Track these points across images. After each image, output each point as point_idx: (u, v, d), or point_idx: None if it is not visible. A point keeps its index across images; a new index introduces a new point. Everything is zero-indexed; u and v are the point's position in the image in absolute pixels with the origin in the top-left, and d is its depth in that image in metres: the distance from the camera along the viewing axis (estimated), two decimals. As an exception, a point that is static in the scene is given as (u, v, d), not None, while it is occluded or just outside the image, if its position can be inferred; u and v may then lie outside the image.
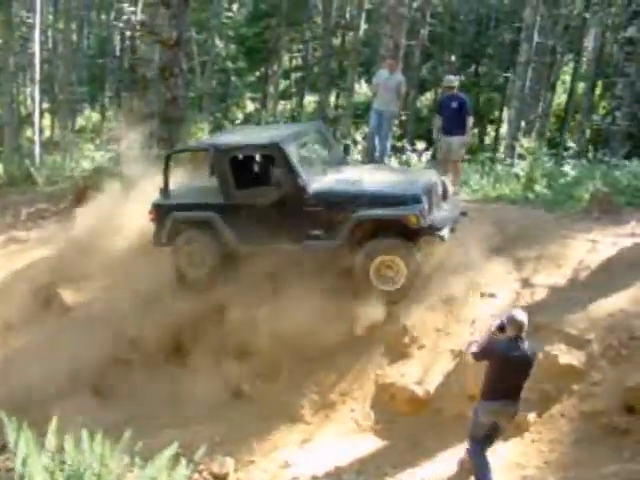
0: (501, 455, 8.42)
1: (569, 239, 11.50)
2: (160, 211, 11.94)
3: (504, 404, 7.70)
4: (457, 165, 14.22)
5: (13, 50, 29.70)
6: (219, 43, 33.37)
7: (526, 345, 7.60)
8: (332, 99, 36.61)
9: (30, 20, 26.63)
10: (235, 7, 36.62)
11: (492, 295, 10.59)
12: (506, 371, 7.57)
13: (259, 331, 10.44)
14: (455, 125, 13.74)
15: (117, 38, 35.65)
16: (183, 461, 6.79)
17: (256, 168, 12.69)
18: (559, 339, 9.27)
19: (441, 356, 10.05)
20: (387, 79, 14.98)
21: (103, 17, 40.62)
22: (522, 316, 7.68)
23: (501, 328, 7.70)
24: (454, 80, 14.31)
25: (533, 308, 9.97)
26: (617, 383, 8.68)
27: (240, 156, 12.27)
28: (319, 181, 11.21)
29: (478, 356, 7.89)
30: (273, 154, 11.38)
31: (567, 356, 9.08)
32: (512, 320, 7.63)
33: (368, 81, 33.69)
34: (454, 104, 13.73)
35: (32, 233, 15.81)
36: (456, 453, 8.65)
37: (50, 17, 38.24)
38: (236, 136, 13.04)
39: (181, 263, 11.75)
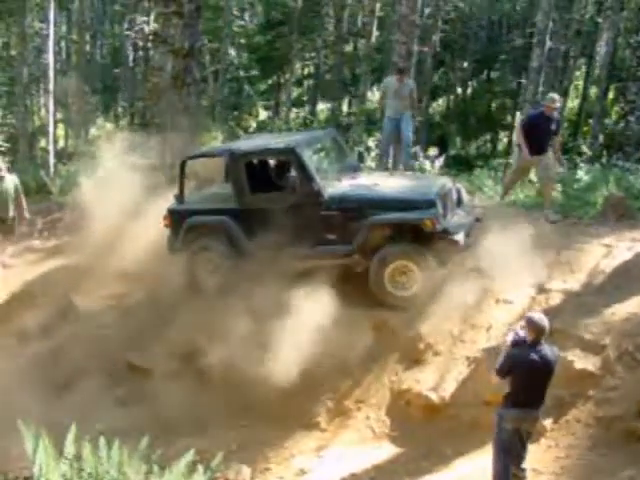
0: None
1: (584, 244, 11.47)
2: (175, 217, 11.99)
3: (529, 411, 7.62)
4: (551, 185, 13.28)
5: (27, 61, 29.91)
6: (232, 52, 33.43)
7: (547, 349, 7.54)
8: (345, 106, 36.64)
9: (44, 31, 26.74)
10: (247, 16, 36.75)
11: (507, 301, 10.57)
12: (530, 379, 7.49)
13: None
14: (547, 144, 12.79)
15: (130, 48, 35.75)
16: (200, 469, 6.81)
17: (271, 174, 12.71)
18: (574, 344, 9.26)
19: (456, 362, 10.04)
20: (398, 87, 15.13)
21: (116, 27, 40.80)
22: (541, 319, 7.61)
23: (516, 344, 7.61)
24: (558, 100, 13.12)
25: (548, 313, 9.93)
26: (633, 388, 8.66)
27: (255, 161, 12.34)
28: (334, 186, 11.24)
29: (502, 374, 7.74)
30: (288, 159, 11.46)
31: (583, 361, 9.07)
32: (531, 324, 7.55)
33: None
34: (553, 125, 12.73)
35: (47, 242, 15.89)
36: (471, 459, 8.67)
37: (64, 28, 38.46)
38: (251, 142, 13.10)
39: (196, 269, 11.78)
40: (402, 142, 15.45)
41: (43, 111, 29.70)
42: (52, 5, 24.84)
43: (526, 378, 7.48)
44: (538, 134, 12.59)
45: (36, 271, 14.31)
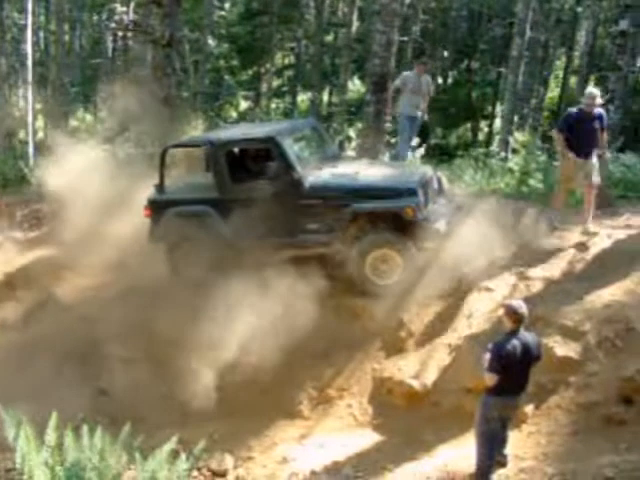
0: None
1: (564, 232, 11.53)
2: (156, 207, 11.95)
3: (511, 398, 7.70)
4: (594, 190, 11.61)
5: (5, 52, 29.70)
6: (212, 42, 33.31)
7: (527, 335, 7.59)
8: (325, 96, 36.59)
9: (22, 22, 26.57)
10: (227, 6, 36.60)
11: (488, 289, 10.59)
12: (512, 366, 7.47)
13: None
14: (593, 144, 11.44)
15: (109, 39, 35.57)
16: (183, 456, 6.81)
17: (251, 163, 12.68)
18: (555, 331, 9.29)
19: (438, 350, 10.06)
20: (416, 81, 14.95)
21: (95, 18, 40.53)
22: (520, 306, 7.62)
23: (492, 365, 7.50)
24: (597, 95, 11.45)
25: (529, 301, 9.96)
26: (613, 374, 8.71)
27: (236, 150, 12.32)
28: (315, 175, 11.24)
29: (494, 370, 7.51)
30: (269, 148, 11.43)
31: (563, 348, 9.10)
32: (510, 311, 7.57)
33: (361, 78, 33.74)
34: (596, 123, 11.34)
35: (27, 234, 15.82)
36: (453, 446, 8.70)
37: (42, 18, 38.18)
38: (231, 131, 13.08)
39: (176, 259, 11.75)
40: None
41: (22, 102, 29.50)
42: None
43: (509, 368, 7.46)
44: (580, 135, 11.29)
45: (16, 263, 14.24)
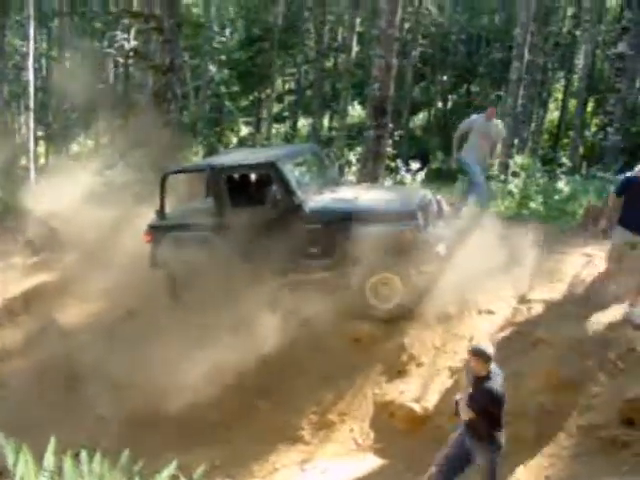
0: (501, 471, 8.40)
1: (564, 254, 11.54)
2: (156, 232, 11.97)
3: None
4: None
5: (7, 78, 29.83)
6: (212, 68, 33.50)
7: (495, 380, 7.22)
8: (325, 121, 36.72)
9: (24, 49, 26.70)
10: (227, 32, 36.82)
11: (489, 311, 10.60)
12: (502, 408, 7.21)
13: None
14: None
15: (110, 65, 35.70)
16: (183, 481, 6.78)
17: (252, 188, 12.71)
18: (556, 353, 9.27)
19: (439, 373, 10.04)
20: (486, 126, 13.75)
21: (97, 45, 40.79)
22: (487, 347, 7.35)
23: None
24: None
25: (530, 323, 10.04)
26: (615, 396, 8.66)
27: (236, 176, 12.35)
28: (315, 200, 11.26)
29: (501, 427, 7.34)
30: (269, 173, 11.45)
31: (565, 370, 9.07)
32: (480, 354, 7.23)
33: (361, 103, 33.84)
34: None
35: (29, 260, 15.83)
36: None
37: (44, 45, 38.41)
38: (231, 157, 13.11)
39: (176, 285, 11.76)
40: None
41: (23, 128, 29.63)
42: (32, 22, 24.77)
43: (501, 409, 7.21)
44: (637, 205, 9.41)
45: (17, 288, 14.25)
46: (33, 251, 16.06)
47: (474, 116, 14.24)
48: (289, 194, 11.10)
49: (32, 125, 24.97)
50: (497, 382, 7.19)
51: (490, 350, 7.27)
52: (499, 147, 14.30)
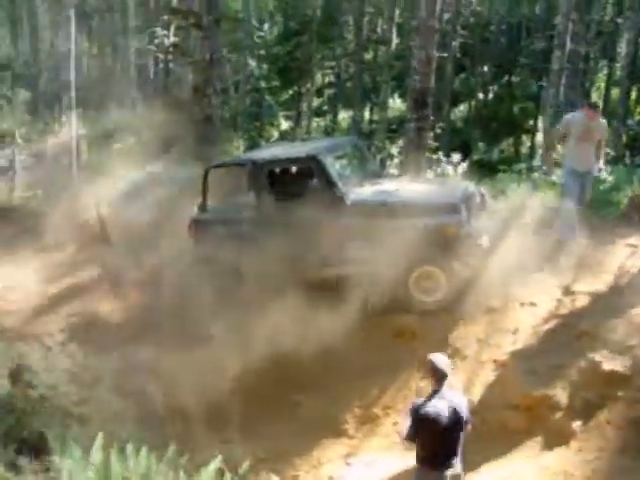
0: (547, 464, 8.34)
1: (609, 245, 11.42)
2: (199, 226, 12.03)
3: (438, 471, 6.81)
4: None
5: (50, 78, 30.14)
6: (251, 62, 33.60)
7: (453, 395, 6.89)
8: (366, 114, 36.62)
9: (65, 47, 26.92)
10: (266, 26, 36.88)
11: (533, 304, 10.52)
12: (437, 434, 6.71)
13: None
14: None
15: (151, 62, 35.89)
16: (228, 475, 6.80)
17: (293, 182, 12.72)
18: (602, 346, 9.16)
19: (484, 366, 9.98)
20: (584, 126, 11.71)
21: (136, 42, 41.05)
22: (441, 360, 6.94)
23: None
24: None
25: (575, 315, 9.94)
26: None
27: (277, 170, 12.36)
28: (356, 192, 11.24)
29: (410, 438, 6.88)
30: (311, 166, 11.45)
31: (610, 362, 8.95)
32: (432, 368, 6.83)
33: (402, 96, 33.72)
34: None
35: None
36: (499, 465, 8.60)
37: (85, 44, 38.75)
38: (272, 151, 13.13)
39: (221, 278, 11.79)
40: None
41: (66, 127, 29.90)
42: (72, 21, 25.01)
43: (429, 432, 6.72)
44: None
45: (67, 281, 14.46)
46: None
47: (570, 115, 12.37)
48: (331, 187, 11.10)
49: (74, 123, 25.23)
50: (431, 403, 6.70)
51: (439, 363, 6.83)
52: (604, 147, 12.27)
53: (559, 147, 12.22)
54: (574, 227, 11.54)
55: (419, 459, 6.90)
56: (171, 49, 21.96)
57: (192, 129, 17.19)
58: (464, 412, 6.82)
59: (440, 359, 6.93)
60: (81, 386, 10.80)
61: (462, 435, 6.84)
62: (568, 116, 12.36)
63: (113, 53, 37.81)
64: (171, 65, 30.73)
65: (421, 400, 6.79)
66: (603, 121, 12.10)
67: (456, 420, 6.71)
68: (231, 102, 31.71)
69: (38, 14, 31.65)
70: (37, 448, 7.40)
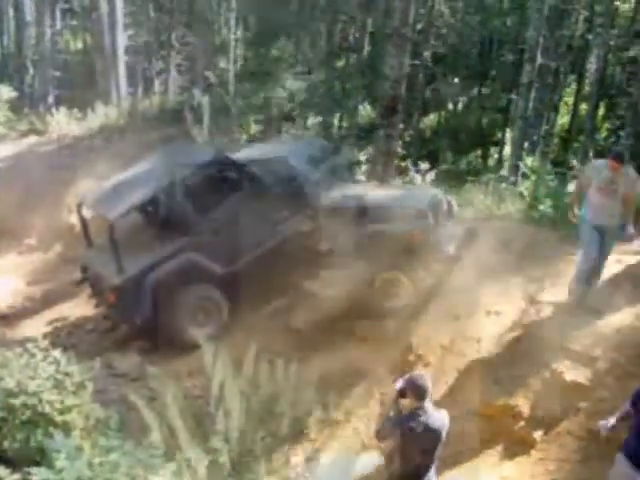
0: (507, 474, 8.36)
1: (574, 256, 11.46)
2: None
3: None
4: None
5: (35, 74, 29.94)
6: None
7: (430, 416, 6.57)
8: (335, 121, 36.62)
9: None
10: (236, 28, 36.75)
11: (498, 313, 10.53)
12: (415, 452, 6.55)
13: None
14: None
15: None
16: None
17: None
18: (565, 356, 9.20)
19: (447, 374, 9.98)
20: (610, 177, 9.65)
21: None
22: (422, 378, 6.65)
23: (402, 393, 6.55)
24: None
25: (539, 325, 9.96)
26: (624, 400, 8.60)
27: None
28: (324, 197, 11.23)
29: (379, 436, 6.87)
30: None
31: (573, 373, 9.01)
32: (412, 386, 6.54)
33: (372, 103, 33.70)
34: None
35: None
36: (460, 470, 8.59)
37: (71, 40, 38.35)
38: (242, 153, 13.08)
39: None
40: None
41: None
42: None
43: (417, 448, 6.56)
44: None
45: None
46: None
47: (596, 162, 10.67)
48: (299, 189, 11.09)
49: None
50: (417, 420, 6.51)
51: (421, 382, 6.59)
52: (632, 204, 9.97)
53: (576, 209, 10.39)
54: (589, 281, 10.22)
55: (401, 472, 6.67)
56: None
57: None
58: (446, 426, 6.74)
59: (420, 376, 6.74)
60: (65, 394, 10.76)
61: (440, 447, 6.76)
62: (592, 164, 11.02)
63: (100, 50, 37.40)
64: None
65: (405, 415, 6.57)
66: (632, 173, 9.86)
67: (439, 435, 6.64)
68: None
69: (24, 9, 31.03)
70: (19, 458, 7.24)
